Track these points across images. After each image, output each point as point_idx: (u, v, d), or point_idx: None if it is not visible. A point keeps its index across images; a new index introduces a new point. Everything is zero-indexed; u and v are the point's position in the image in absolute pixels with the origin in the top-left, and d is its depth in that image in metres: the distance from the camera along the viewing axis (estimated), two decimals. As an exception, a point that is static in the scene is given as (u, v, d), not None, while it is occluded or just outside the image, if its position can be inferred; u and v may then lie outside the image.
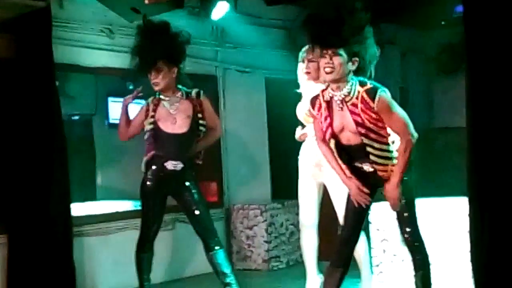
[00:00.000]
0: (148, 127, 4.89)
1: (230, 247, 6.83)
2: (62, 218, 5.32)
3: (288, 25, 7.39)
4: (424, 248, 3.99)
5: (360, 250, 5.03)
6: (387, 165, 3.85)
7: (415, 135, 3.78)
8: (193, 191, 4.95)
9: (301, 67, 5.11)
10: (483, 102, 3.52)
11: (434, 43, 8.03)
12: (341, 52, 3.74)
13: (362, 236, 5.08)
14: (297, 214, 6.04)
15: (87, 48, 5.93)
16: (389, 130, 3.88)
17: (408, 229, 3.96)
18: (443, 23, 7.17)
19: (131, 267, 5.07)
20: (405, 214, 3.95)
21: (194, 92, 4.97)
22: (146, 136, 4.93)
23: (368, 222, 5.48)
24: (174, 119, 4.86)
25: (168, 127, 4.85)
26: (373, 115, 3.76)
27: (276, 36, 7.32)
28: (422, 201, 5.64)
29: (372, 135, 3.81)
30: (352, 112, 3.79)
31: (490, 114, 3.47)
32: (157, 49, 4.77)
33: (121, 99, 7.34)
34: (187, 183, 4.92)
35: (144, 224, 4.99)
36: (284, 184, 7.40)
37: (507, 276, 3.48)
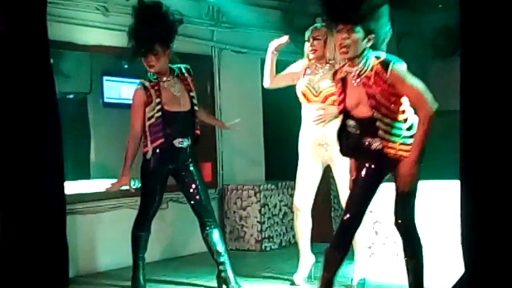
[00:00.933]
0: (156, 114, 4.85)
1: (224, 227, 6.86)
2: (55, 196, 5.32)
3: (284, 6, 7.36)
4: (418, 236, 3.97)
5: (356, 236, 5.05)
6: (395, 142, 3.80)
7: (434, 106, 3.71)
8: (194, 168, 4.98)
9: (307, 46, 5.12)
10: (476, 86, 3.52)
11: (430, 26, 8.02)
12: (358, 29, 3.76)
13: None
14: (291, 195, 6.07)
15: (82, 26, 5.90)
16: (404, 107, 3.84)
17: (404, 214, 3.92)
18: (440, 6, 7.15)
19: (124, 245, 5.08)
20: (407, 199, 3.89)
21: (184, 68, 5.01)
22: (153, 122, 4.85)
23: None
24: (179, 99, 4.89)
25: (174, 107, 4.88)
26: (386, 88, 3.76)
27: (272, 17, 7.30)
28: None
29: (383, 110, 3.80)
30: (365, 84, 3.81)
31: (483, 98, 3.48)
32: (154, 32, 4.78)
33: (116, 78, 7.39)
34: (189, 160, 4.96)
35: (145, 204, 4.98)
36: (278, 165, 7.41)
37: (497, 258, 3.50)
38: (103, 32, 6.03)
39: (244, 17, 6.93)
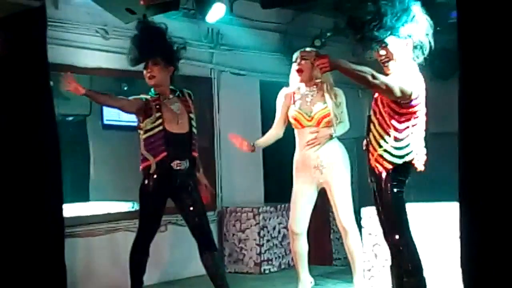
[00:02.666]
0: (157, 128, 4.85)
1: (223, 249, 6.83)
2: (54, 218, 5.30)
3: (283, 28, 7.40)
4: (414, 256, 3.96)
5: (353, 251, 5.04)
6: (376, 150, 3.92)
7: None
8: (193, 191, 4.96)
9: (294, 68, 5.13)
10: (475, 107, 3.53)
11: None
12: (389, 40, 3.88)
13: (355, 238, 5.10)
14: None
15: (82, 49, 5.93)
16: (405, 129, 3.95)
17: (391, 233, 3.95)
18: (438, 28, 7.17)
19: (123, 268, 5.06)
20: (391, 219, 3.94)
21: (186, 92, 5.03)
22: (153, 136, 4.86)
23: (360, 227, 5.49)
24: (179, 119, 4.88)
25: (173, 128, 4.87)
26: (390, 100, 3.88)
27: (271, 39, 7.34)
28: (415, 205, 5.66)
29: (378, 115, 3.95)
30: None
31: (482, 119, 3.48)
32: (156, 43, 4.83)
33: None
34: (188, 183, 4.93)
35: (144, 226, 4.95)
36: (277, 188, 7.40)
37: (497, 281, 3.49)
38: (102, 54, 6.06)
39: (243, 39, 6.97)
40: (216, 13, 6.39)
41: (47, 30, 5.29)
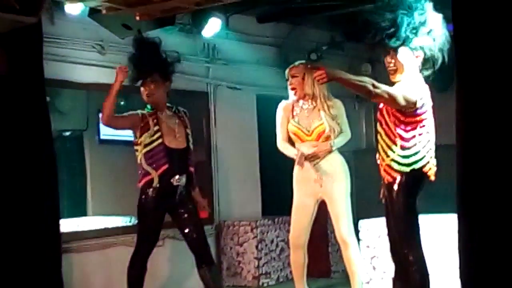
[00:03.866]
0: (157, 142, 4.85)
1: (220, 263, 6.81)
2: (51, 234, 5.29)
3: (279, 42, 7.42)
4: (423, 271, 3.94)
5: (352, 264, 5.04)
6: (383, 160, 3.95)
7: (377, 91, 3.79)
8: (190, 206, 4.97)
9: (288, 84, 5.16)
10: (472, 119, 3.54)
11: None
12: (401, 49, 3.89)
13: (354, 250, 5.09)
14: (288, 231, 6.05)
15: (78, 64, 5.93)
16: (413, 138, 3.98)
17: (402, 246, 3.94)
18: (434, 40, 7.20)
19: (120, 283, 5.04)
20: (402, 231, 3.95)
21: (182, 110, 5.07)
22: (152, 151, 4.85)
23: (358, 239, 5.48)
24: (176, 134, 4.90)
25: (171, 142, 4.88)
26: (395, 111, 3.92)
27: (267, 53, 7.35)
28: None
29: (384, 126, 3.97)
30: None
31: (479, 131, 3.49)
32: (154, 60, 4.87)
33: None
34: (185, 198, 4.94)
35: (142, 242, 4.93)
36: (275, 201, 7.39)
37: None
38: (99, 70, 6.06)
39: (239, 53, 6.99)
40: (212, 28, 6.41)
41: (43, 46, 5.31)
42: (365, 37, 3.96)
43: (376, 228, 5.56)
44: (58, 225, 5.36)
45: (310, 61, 5.34)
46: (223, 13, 6.56)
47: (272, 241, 6.88)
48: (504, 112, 3.40)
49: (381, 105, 4.02)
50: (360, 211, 5.94)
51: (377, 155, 4.09)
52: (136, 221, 5.07)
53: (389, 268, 5.43)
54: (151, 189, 4.83)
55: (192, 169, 5.00)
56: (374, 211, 5.76)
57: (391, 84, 4.07)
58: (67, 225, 5.74)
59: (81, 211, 7.03)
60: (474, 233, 3.49)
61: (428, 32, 3.91)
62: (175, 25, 5.97)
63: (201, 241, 4.96)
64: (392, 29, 3.82)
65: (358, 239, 5.44)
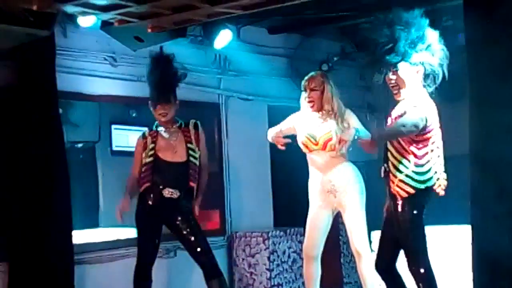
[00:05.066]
0: (147, 159, 4.94)
1: (232, 275, 6.80)
2: (63, 245, 5.31)
3: (290, 53, 7.43)
4: (430, 280, 3.93)
5: (366, 276, 5.01)
6: (396, 176, 3.94)
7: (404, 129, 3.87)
8: (187, 219, 4.96)
9: (304, 96, 5.13)
10: (486, 130, 3.53)
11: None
12: (402, 65, 3.91)
13: (368, 262, 5.06)
14: (300, 242, 6.04)
15: (90, 76, 5.97)
16: (427, 154, 3.98)
17: (411, 262, 3.93)
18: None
19: (133, 295, 5.04)
20: (411, 246, 3.95)
21: (191, 122, 5.09)
22: (144, 166, 4.98)
23: (371, 250, 5.46)
24: (175, 148, 4.94)
25: (167, 156, 4.93)
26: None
27: (278, 64, 7.36)
28: (426, 229, 5.62)
29: (395, 143, 3.96)
30: (390, 116, 4.09)
31: (492, 141, 3.48)
32: (170, 80, 4.96)
33: (125, 127, 7.43)
34: (183, 212, 4.94)
35: (140, 253, 5.01)
36: (287, 212, 7.38)
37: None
38: (111, 82, 6.10)
39: (250, 64, 7.00)
40: (223, 39, 6.43)
41: (56, 58, 5.35)
42: (363, 54, 3.99)
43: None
44: (70, 237, 5.37)
45: (321, 72, 5.30)
46: (234, 25, 6.58)
47: (284, 252, 6.86)
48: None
49: (389, 122, 4.02)
50: (372, 222, 5.92)
51: (382, 170, 4.09)
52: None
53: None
54: (144, 201, 4.97)
55: (192, 184, 4.99)
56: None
57: (396, 102, 4.08)
58: (79, 236, 5.75)
59: (93, 223, 7.05)
60: (488, 244, 3.48)
61: (427, 48, 3.91)
62: (186, 37, 5.99)
63: (205, 254, 4.96)
64: (391, 44, 3.82)
65: (371, 250, 5.41)
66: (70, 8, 4.49)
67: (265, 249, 6.73)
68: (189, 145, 4.97)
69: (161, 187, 4.90)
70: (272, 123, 7.31)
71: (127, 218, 6.79)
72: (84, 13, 4.99)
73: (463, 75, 3.79)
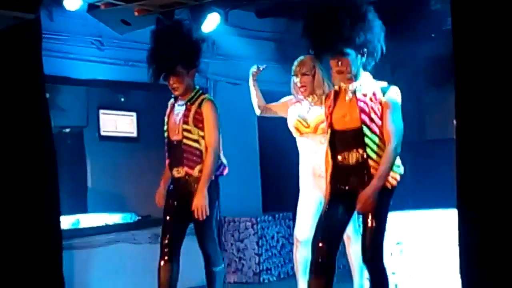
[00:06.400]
0: (165, 134, 4.76)
1: (221, 259, 6.81)
2: (51, 230, 5.29)
3: (278, 37, 7.41)
4: (382, 271, 3.85)
5: (354, 260, 5.03)
6: (378, 163, 3.81)
7: (398, 149, 3.79)
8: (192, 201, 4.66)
9: (295, 80, 5.10)
10: (472, 113, 3.53)
11: (424, 56, 8.07)
12: (349, 50, 3.79)
13: (357, 246, 5.08)
14: (288, 227, 6.05)
15: (77, 60, 5.93)
16: None
17: (368, 244, 3.83)
18: (432, 35, 7.21)
19: (122, 280, 5.04)
20: (370, 225, 3.83)
21: (200, 98, 4.73)
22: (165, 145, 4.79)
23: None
24: (178, 126, 4.67)
25: (173, 135, 4.71)
26: (380, 108, 3.81)
27: (266, 48, 7.34)
28: (414, 213, 5.65)
29: (374, 127, 3.81)
30: (359, 100, 3.85)
31: (479, 125, 3.48)
32: (174, 53, 4.57)
33: (112, 111, 7.40)
34: (188, 192, 4.65)
35: (162, 233, 4.76)
36: (275, 197, 7.39)
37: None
38: (98, 66, 6.06)
39: (238, 48, 6.97)
40: (211, 23, 6.39)
41: (43, 42, 5.30)
42: (311, 43, 3.88)
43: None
44: (58, 222, 5.36)
45: (310, 55, 5.27)
46: (222, 8, 6.54)
47: (273, 237, 6.88)
48: (503, 107, 3.40)
49: (363, 105, 3.85)
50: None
51: (354, 156, 3.89)
52: (140, 217, 5.03)
53: (390, 265, 5.44)
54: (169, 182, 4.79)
55: (186, 168, 4.64)
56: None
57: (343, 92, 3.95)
58: (67, 221, 5.74)
59: (81, 208, 7.04)
60: (475, 228, 3.49)
61: (368, 27, 3.82)
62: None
63: (205, 242, 4.72)
64: (334, 32, 3.70)
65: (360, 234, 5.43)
66: (56, -9, 4.45)
67: (253, 234, 6.75)
68: (184, 125, 4.65)
69: (171, 167, 4.72)
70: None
71: (117, 204, 6.80)
72: (70, -4, 4.95)
73: (451, 60, 3.77)
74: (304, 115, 5.05)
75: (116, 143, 7.11)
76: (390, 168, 3.78)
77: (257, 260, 6.73)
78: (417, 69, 8.37)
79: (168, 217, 4.74)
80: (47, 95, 5.45)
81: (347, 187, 3.89)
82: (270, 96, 5.55)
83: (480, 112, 3.46)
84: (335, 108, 3.94)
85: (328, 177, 3.99)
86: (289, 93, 5.27)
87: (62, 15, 5.70)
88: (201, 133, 4.68)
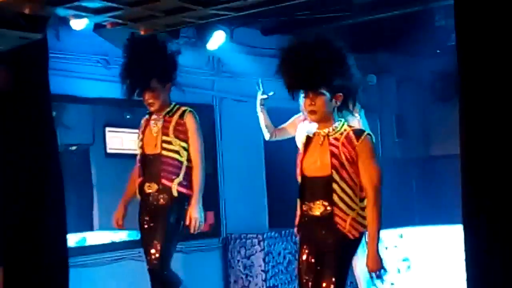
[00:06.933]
0: (138, 152, 4.61)
1: (228, 277, 6.80)
2: (58, 248, 5.29)
3: (284, 54, 7.43)
4: None
5: (362, 277, 5.02)
6: (348, 214, 3.58)
7: (381, 201, 3.57)
8: (166, 218, 4.53)
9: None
10: (476, 129, 3.54)
11: (429, 71, 8.08)
12: (324, 91, 3.63)
13: (363, 259, 5.06)
14: (295, 243, 6.03)
15: (83, 79, 5.96)
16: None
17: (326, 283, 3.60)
18: (438, 51, 7.23)
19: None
20: (330, 277, 3.61)
21: (181, 109, 4.61)
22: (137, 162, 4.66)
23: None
24: (156, 139, 4.53)
25: (149, 149, 4.57)
26: (352, 154, 3.61)
27: (272, 65, 7.34)
28: (421, 229, 5.65)
29: (344, 174, 3.60)
30: (331, 144, 3.68)
31: (483, 141, 3.48)
32: (149, 68, 4.46)
33: (118, 129, 7.43)
34: (162, 209, 4.51)
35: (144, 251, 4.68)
36: (281, 213, 7.37)
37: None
38: (104, 84, 6.09)
39: (244, 66, 7.01)
40: (216, 41, 6.43)
41: (49, 61, 5.34)
42: (284, 76, 3.73)
43: (383, 240, 5.54)
44: (65, 240, 5.36)
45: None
46: (227, 26, 6.58)
47: (279, 254, 6.87)
48: (508, 122, 3.40)
49: (334, 149, 3.65)
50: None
51: (318, 207, 3.68)
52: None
53: (396, 279, 5.42)
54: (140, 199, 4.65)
55: (165, 180, 4.50)
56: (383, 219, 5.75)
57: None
58: (74, 239, 5.74)
59: (88, 226, 7.04)
60: (481, 244, 3.48)
61: (346, 73, 3.65)
62: (179, 39, 5.99)
63: (162, 256, 4.47)
64: (313, 69, 3.58)
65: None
66: (62, 11, 4.48)
67: (260, 251, 6.73)
68: (164, 137, 4.51)
69: (143, 182, 4.56)
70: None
71: (123, 221, 6.80)
72: (76, 16, 4.99)
73: (456, 75, 3.78)
74: (313, 131, 5.06)
75: (122, 160, 7.12)
76: (380, 224, 3.56)
77: (263, 277, 6.71)
78: (422, 85, 8.39)
79: (145, 233, 4.62)
80: (54, 114, 5.48)
81: (313, 237, 3.70)
82: (276, 113, 5.58)
83: (484, 127, 3.47)
84: (306, 154, 3.78)
85: (296, 226, 3.82)
86: (298, 110, 5.30)
87: (69, 34, 5.73)
88: (183, 144, 4.55)
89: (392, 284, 5.64)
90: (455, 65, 3.68)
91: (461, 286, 4.75)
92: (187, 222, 4.48)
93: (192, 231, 4.52)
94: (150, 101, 4.51)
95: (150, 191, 4.53)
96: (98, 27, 5.30)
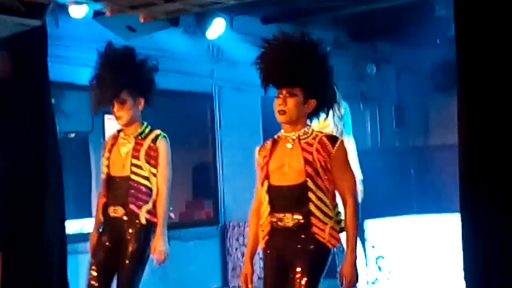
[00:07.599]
0: (104, 171, 4.28)
1: (226, 264, 6.82)
2: (57, 235, 5.31)
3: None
4: None
5: (359, 284, 5.03)
6: (326, 224, 3.40)
7: (359, 207, 3.45)
8: (128, 245, 4.20)
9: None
10: (475, 119, 3.54)
11: (429, 61, 8.08)
12: (297, 93, 3.46)
13: (360, 249, 5.09)
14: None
15: (82, 66, 5.94)
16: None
17: None
18: (438, 41, 7.23)
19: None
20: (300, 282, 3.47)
21: (154, 133, 4.27)
22: (102, 182, 4.33)
23: (364, 239, 5.48)
24: (125, 161, 4.22)
25: (116, 171, 4.25)
26: (327, 161, 3.41)
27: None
28: (419, 217, 5.66)
29: (319, 181, 3.41)
30: (304, 150, 3.45)
31: (481, 131, 3.49)
32: (120, 78, 4.18)
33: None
34: (127, 234, 4.20)
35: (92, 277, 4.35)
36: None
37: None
38: (103, 71, 6.07)
39: (243, 54, 6.99)
40: (216, 29, 6.42)
41: (48, 48, 5.33)
42: (260, 70, 3.60)
43: (381, 228, 5.56)
44: (63, 227, 5.38)
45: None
46: (227, 14, 6.57)
47: (277, 242, 6.88)
48: (506, 111, 3.41)
49: (308, 156, 3.43)
50: (365, 211, 5.95)
51: (290, 219, 3.46)
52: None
53: (394, 267, 5.44)
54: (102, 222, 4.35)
55: (132, 206, 4.18)
56: (380, 211, 5.77)
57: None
58: (73, 226, 5.75)
59: (86, 212, 7.05)
60: (478, 232, 3.50)
61: (322, 81, 3.51)
62: (179, 26, 5.98)
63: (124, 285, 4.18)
64: (290, 67, 3.44)
65: (364, 239, 5.44)
66: (61, -2, 4.47)
67: (258, 239, 6.74)
68: (133, 160, 4.19)
69: (107, 205, 4.25)
70: (265, 113, 7.34)
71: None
72: (76, 3, 4.98)
73: (455, 65, 3.78)
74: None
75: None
76: (357, 232, 3.42)
77: (261, 265, 6.71)
78: (421, 74, 8.39)
79: (97, 262, 4.32)
80: (53, 101, 5.48)
81: (284, 248, 3.53)
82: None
83: (482, 116, 3.48)
84: (271, 158, 3.56)
85: (266, 236, 3.63)
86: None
87: (68, 21, 5.73)
88: (153, 170, 4.23)
89: (389, 272, 5.67)
90: (454, 55, 3.69)
91: (458, 274, 4.77)
92: (152, 254, 4.22)
93: (156, 264, 4.25)
94: (118, 113, 4.21)
95: (115, 215, 4.23)
96: (97, 14, 5.29)
